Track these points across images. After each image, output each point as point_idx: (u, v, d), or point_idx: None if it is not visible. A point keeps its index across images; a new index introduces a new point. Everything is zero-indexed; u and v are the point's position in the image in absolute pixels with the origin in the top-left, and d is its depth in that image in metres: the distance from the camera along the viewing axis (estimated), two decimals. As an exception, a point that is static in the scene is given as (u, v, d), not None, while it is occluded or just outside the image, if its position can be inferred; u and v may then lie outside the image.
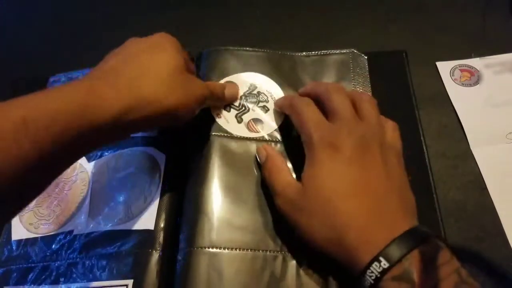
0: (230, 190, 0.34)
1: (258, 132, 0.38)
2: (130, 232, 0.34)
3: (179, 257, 0.32)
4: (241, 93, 0.40)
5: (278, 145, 0.37)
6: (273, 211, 0.33)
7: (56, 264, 0.34)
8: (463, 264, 0.26)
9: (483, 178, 0.36)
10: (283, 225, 0.32)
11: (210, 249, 0.32)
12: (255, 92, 0.40)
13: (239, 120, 0.38)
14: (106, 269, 0.33)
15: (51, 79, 0.46)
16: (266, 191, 0.34)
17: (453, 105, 0.40)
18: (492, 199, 0.35)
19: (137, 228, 0.34)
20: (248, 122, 0.38)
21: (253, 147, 0.37)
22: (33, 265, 0.35)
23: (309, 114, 0.32)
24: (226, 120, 0.38)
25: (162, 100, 0.29)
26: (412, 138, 0.37)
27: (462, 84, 0.42)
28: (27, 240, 0.36)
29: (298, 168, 0.32)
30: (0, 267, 0.36)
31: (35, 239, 0.36)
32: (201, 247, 0.32)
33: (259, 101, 0.39)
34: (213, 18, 0.51)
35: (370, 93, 0.40)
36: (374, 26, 0.47)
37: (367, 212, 0.27)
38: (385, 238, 0.26)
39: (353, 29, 0.47)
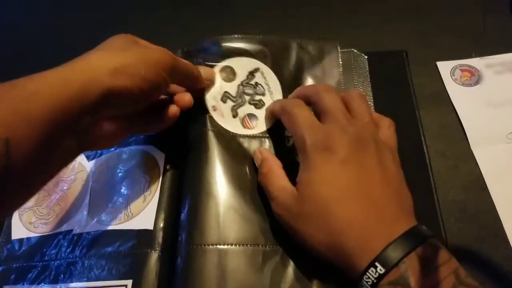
0: (230, 187, 0.34)
1: (252, 128, 0.38)
2: (129, 232, 0.34)
3: (180, 256, 0.32)
4: (239, 81, 0.39)
5: (272, 142, 0.37)
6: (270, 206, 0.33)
7: (56, 264, 0.34)
8: (463, 264, 0.26)
9: (483, 178, 0.36)
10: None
11: (210, 246, 0.32)
12: (252, 82, 0.39)
13: (234, 114, 0.38)
14: (105, 269, 0.33)
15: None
16: (262, 186, 0.34)
17: (454, 105, 0.40)
18: (493, 199, 0.35)
19: (136, 228, 0.34)
20: (244, 118, 0.38)
21: (250, 143, 0.37)
22: (32, 264, 0.35)
23: (301, 116, 0.32)
24: (222, 114, 0.37)
25: (108, 62, 0.27)
26: (412, 138, 0.37)
27: (463, 84, 0.42)
28: (26, 239, 0.36)
29: (294, 168, 0.32)
30: (0, 266, 0.36)
31: (34, 238, 0.36)
32: (201, 245, 0.32)
33: (256, 93, 0.39)
34: (213, 18, 0.51)
35: (370, 93, 0.40)
36: (374, 26, 0.47)
37: (363, 216, 0.27)
38: (382, 242, 0.26)
39: (353, 29, 0.47)
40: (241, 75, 0.40)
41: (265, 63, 0.40)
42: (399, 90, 0.41)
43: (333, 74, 0.41)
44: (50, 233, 0.36)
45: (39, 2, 0.57)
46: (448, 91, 0.41)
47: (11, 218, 0.38)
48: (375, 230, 0.27)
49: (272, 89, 0.39)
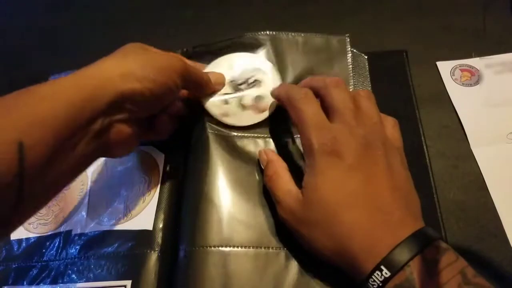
0: (231, 189, 0.34)
1: (265, 110, 0.37)
2: (128, 232, 0.34)
3: (181, 257, 0.32)
4: (228, 78, 0.39)
5: (276, 143, 0.37)
6: (274, 208, 0.33)
7: (55, 264, 0.34)
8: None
9: (483, 178, 0.36)
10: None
11: (212, 248, 0.31)
12: (242, 79, 0.39)
13: (242, 108, 0.37)
14: (105, 269, 0.33)
15: (52, 78, 0.46)
16: (267, 188, 0.34)
17: (454, 105, 0.40)
18: (493, 199, 0.35)
19: (135, 228, 0.34)
20: (252, 106, 0.37)
21: (252, 144, 0.36)
22: (31, 264, 0.35)
23: (309, 113, 0.30)
24: (233, 114, 0.37)
25: (120, 66, 0.28)
26: (412, 138, 0.37)
27: (463, 84, 0.41)
28: (25, 239, 0.36)
29: (299, 169, 0.32)
30: (-1, 266, 0.36)
31: (33, 238, 0.36)
32: (203, 246, 0.32)
33: (248, 81, 0.39)
34: (213, 18, 0.51)
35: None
36: (374, 26, 0.47)
37: (369, 222, 0.27)
38: (388, 246, 0.25)
39: (353, 29, 0.47)
40: (228, 72, 0.39)
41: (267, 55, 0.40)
42: (399, 90, 0.41)
43: (342, 70, 0.40)
44: (49, 233, 0.36)
45: (39, 2, 0.57)
46: (448, 91, 0.41)
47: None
48: (381, 234, 0.26)
49: (264, 69, 0.39)
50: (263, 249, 0.32)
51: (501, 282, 0.31)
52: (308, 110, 0.30)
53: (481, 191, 0.36)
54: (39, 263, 0.35)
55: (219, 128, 0.37)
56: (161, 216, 0.35)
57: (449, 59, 0.43)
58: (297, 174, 0.32)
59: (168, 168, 0.37)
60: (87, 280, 0.33)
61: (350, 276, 0.28)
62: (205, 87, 0.36)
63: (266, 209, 0.33)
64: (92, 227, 0.35)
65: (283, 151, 0.37)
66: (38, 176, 0.24)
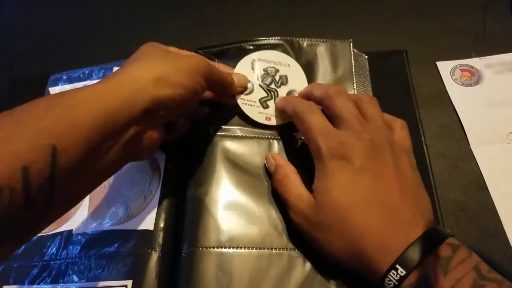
0: (234, 189, 0.34)
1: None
2: (129, 232, 0.34)
3: (183, 257, 0.32)
4: (256, 81, 0.39)
5: (281, 142, 0.37)
6: (278, 208, 0.33)
7: (56, 264, 0.34)
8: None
9: (483, 178, 0.36)
10: (287, 222, 0.32)
11: (215, 249, 0.32)
12: (269, 78, 0.39)
13: (265, 106, 0.38)
14: (105, 269, 0.33)
15: (52, 77, 0.46)
16: (270, 189, 0.34)
17: (454, 105, 0.40)
18: (493, 199, 0.35)
19: (136, 228, 0.34)
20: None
21: (256, 145, 0.37)
22: (32, 264, 0.35)
23: (314, 122, 0.31)
24: (273, 115, 0.38)
25: (150, 72, 0.28)
26: (412, 138, 0.37)
27: (463, 84, 0.42)
28: (26, 239, 0.36)
29: (306, 172, 0.32)
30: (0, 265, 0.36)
31: (34, 238, 0.36)
32: (206, 247, 0.32)
33: (275, 79, 0.39)
34: (213, 18, 0.51)
35: (370, 93, 0.40)
36: (374, 26, 0.47)
37: (382, 222, 0.27)
38: (401, 245, 0.26)
39: (353, 29, 0.47)
40: (252, 75, 0.39)
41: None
42: (399, 90, 0.41)
43: (346, 74, 0.40)
44: (50, 233, 0.36)
45: (40, 2, 0.56)
46: (448, 91, 0.41)
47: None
48: (394, 234, 0.27)
49: (287, 63, 0.40)
50: (266, 250, 0.32)
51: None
52: (313, 119, 0.32)
53: (481, 191, 0.36)
54: (40, 263, 0.35)
55: (223, 128, 0.37)
56: (162, 216, 0.35)
57: (449, 59, 0.43)
58: (306, 177, 0.32)
59: (169, 168, 0.37)
60: (88, 280, 0.33)
61: (364, 277, 0.28)
62: (229, 88, 0.37)
63: (269, 210, 0.33)
64: (93, 227, 0.35)
65: (289, 153, 0.37)
66: (68, 180, 0.24)
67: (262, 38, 0.42)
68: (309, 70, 0.40)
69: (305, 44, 0.42)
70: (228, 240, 0.32)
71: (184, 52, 0.36)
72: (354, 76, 0.40)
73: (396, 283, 0.25)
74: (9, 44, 0.53)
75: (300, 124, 0.33)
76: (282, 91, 0.39)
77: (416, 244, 0.26)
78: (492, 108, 0.40)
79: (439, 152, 0.38)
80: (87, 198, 0.37)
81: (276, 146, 0.37)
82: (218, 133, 0.37)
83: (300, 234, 0.31)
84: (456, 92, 0.41)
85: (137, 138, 0.29)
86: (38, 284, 0.34)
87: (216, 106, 0.39)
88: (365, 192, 0.28)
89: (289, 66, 0.40)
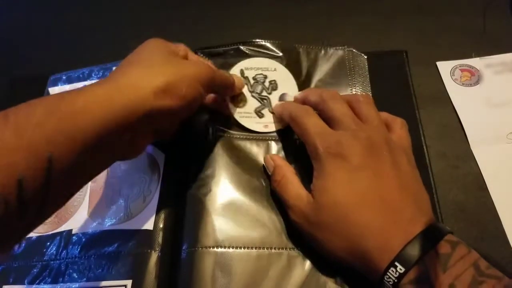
0: (233, 189, 0.34)
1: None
2: (129, 232, 0.34)
3: (183, 257, 0.32)
4: (248, 90, 0.40)
5: (279, 142, 0.37)
6: (277, 208, 0.33)
7: (55, 263, 0.34)
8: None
9: (483, 178, 0.36)
10: (287, 222, 0.32)
11: (215, 249, 0.32)
12: (259, 86, 0.40)
13: (260, 115, 0.39)
14: (105, 269, 0.33)
15: (52, 77, 0.46)
16: (269, 190, 0.34)
17: (454, 105, 0.40)
18: (493, 199, 0.35)
19: (136, 228, 0.34)
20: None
21: (255, 146, 0.37)
22: (32, 264, 0.35)
23: (311, 124, 0.32)
24: (270, 121, 0.38)
25: (151, 81, 0.28)
26: (412, 138, 0.37)
27: (463, 84, 0.42)
28: (26, 238, 0.36)
29: (305, 171, 0.32)
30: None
31: (34, 238, 0.36)
32: (205, 247, 0.32)
33: (265, 86, 0.40)
34: (213, 18, 0.51)
35: (370, 94, 0.40)
36: (374, 26, 0.47)
37: (381, 219, 0.27)
38: (400, 243, 0.26)
39: (353, 29, 0.47)
40: (246, 84, 0.40)
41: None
42: (399, 90, 0.41)
43: (342, 78, 0.41)
44: (50, 233, 0.36)
45: (40, 2, 0.57)
46: (448, 91, 0.41)
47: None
48: (393, 232, 0.27)
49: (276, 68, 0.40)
50: (265, 250, 0.32)
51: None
52: (310, 121, 0.32)
53: (481, 191, 0.36)
54: (40, 263, 0.35)
55: (222, 128, 0.37)
56: (162, 216, 0.35)
57: (449, 59, 0.43)
58: (304, 177, 0.32)
59: (168, 168, 0.37)
60: (88, 280, 0.33)
61: (365, 275, 0.28)
62: (231, 89, 0.37)
63: (269, 210, 0.33)
64: (92, 227, 0.35)
65: (287, 153, 0.37)
66: (61, 185, 0.24)
67: (258, 40, 0.42)
68: (306, 75, 0.41)
69: (301, 50, 0.42)
70: (227, 240, 0.32)
71: (191, 60, 0.35)
72: (352, 77, 0.40)
73: (396, 280, 0.25)
74: (9, 44, 0.53)
75: (297, 127, 0.33)
76: (274, 97, 0.39)
77: (415, 241, 0.26)
78: (492, 108, 0.40)
79: (439, 152, 0.38)
80: (87, 198, 0.37)
81: (274, 147, 0.37)
82: (217, 133, 0.37)
83: (299, 233, 0.31)
84: (456, 92, 0.41)
85: (131, 143, 0.29)
86: (38, 284, 0.34)
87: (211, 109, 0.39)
88: (364, 190, 0.28)
89: (275, 70, 0.41)
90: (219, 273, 0.30)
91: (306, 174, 0.32)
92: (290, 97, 0.38)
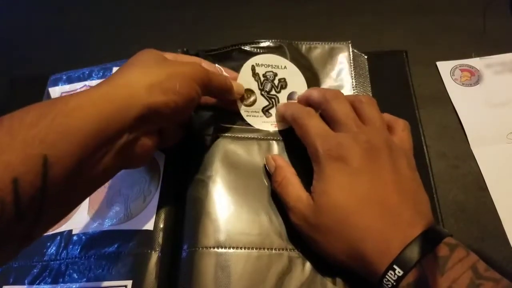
0: (234, 190, 0.34)
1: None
2: (129, 232, 0.34)
3: (183, 257, 0.32)
4: (258, 89, 0.39)
5: (281, 143, 0.37)
6: (277, 209, 0.33)
7: (55, 264, 0.34)
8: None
9: (483, 178, 0.36)
10: (287, 223, 0.32)
11: (216, 249, 0.32)
12: (268, 84, 0.40)
13: (268, 115, 0.38)
14: (105, 269, 0.33)
15: (52, 77, 0.46)
16: (270, 190, 0.34)
17: (454, 105, 0.40)
18: (493, 199, 0.35)
19: (136, 228, 0.34)
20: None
21: (256, 146, 0.36)
22: (32, 264, 0.35)
23: (312, 126, 0.32)
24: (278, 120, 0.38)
25: (145, 79, 0.28)
26: (412, 138, 0.37)
27: (463, 84, 0.42)
28: (26, 239, 0.36)
29: (307, 173, 0.32)
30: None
31: (34, 238, 0.36)
32: (206, 247, 0.32)
33: (274, 84, 0.39)
34: (213, 18, 0.51)
35: (370, 94, 0.40)
36: (374, 26, 0.47)
37: (380, 222, 0.27)
38: (399, 245, 0.26)
39: (353, 29, 0.47)
40: (253, 83, 0.40)
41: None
42: (399, 90, 0.41)
43: (346, 77, 0.40)
44: (50, 233, 0.36)
45: (40, 2, 0.57)
46: (448, 91, 0.41)
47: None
48: (392, 234, 0.27)
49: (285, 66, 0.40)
50: (266, 250, 0.32)
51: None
52: (311, 123, 0.32)
53: (481, 191, 0.36)
54: (40, 263, 0.35)
55: (223, 128, 0.37)
56: (162, 216, 0.35)
57: (449, 59, 0.43)
58: (307, 180, 0.32)
59: (169, 168, 0.37)
60: (88, 280, 0.33)
61: (365, 278, 0.28)
62: (229, 93, 0.36)
63: (269, 211, 0.33)
64: (93, 227, 0.35)
65: (291, 156, 0.36)
66: (60, 190, 0.23)
67: (262, 40, 0.42)
68: (309, 73, 0.41)
69: (303, 47, 0.42)
70: (228, 240, 0.32)
71: (182, 57, 0.35)
72: (353, 77, 0.40)
73: (394, 283, 0.25)
74: (9, 44, 0.53)
75: (298, 128, 0.33)
76: (283, 96, 0.39)
77: (414, 244, 0.26)
78: (492, 108, 0.40)
79: (439, 152, 0.38)
80: (87, 199, 0.37)
81: (276, 147, 0.37)
82: (218, 133, 0.37)
83: (300, 234, 0.31)
84: (456, 92, 0.41)
85: (130, 146, 0.28)
86: (38, 284, 0.34)
87: (217, 107, 0.39)
88: (363, 192, 0.28)
89: (285, 68, 0.40)
90: (219, 273, 0.30)
91: (308, 175, 0.31)
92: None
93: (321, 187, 0.30)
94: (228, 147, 0.36)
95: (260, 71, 0.40)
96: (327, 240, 0.29)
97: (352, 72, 0.40)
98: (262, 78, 0.40)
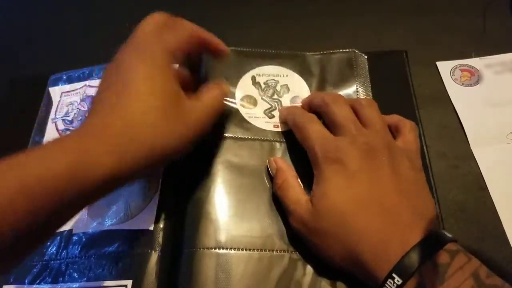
0: (235, 190, 0.34)
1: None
2: (129, 232, 0.34)
3: (183, 258, 0.32)
4: (259, 95, 0.40)
5: (283, 144, 0.37)
6: (279, 210, 0.33)
7: (56, 263, 0.34)
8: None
9: (483, 178, 0.36)
10: (288, 224, 0.32)
11: (216, 250, 0.31)
12: (270, 90, 0.40)
13: (271, 116, 0.39)
14: (105, 269, 0.33)
15: (52, 77, 0.46)
16: (272, 192, 0.34)
17: (453, 105, 0.40)
18: (493, 199, 0.35)
19: (136, 228, 0.34)
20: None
21: (258, 147, 0.36)
22: (32, 263, 0.35)
23: (313, 130, 0.32)
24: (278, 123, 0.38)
25: (159, 143, 0.28)
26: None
27: (463, 84, 0.42)
28: (26, 239, 0.36)
29: (308, 176, 0.32)
30: None
31: (34, 238, 0.36)
32: (206, 248, 0.32)
33: (276, 89, 0.40)
34: (213, 18, 0.51)
35: (370, 93, 0.40)
36: (374, 26, 0.47)
37: (377, 223, 0.27)
38: (398, 252, 0.26)
39: (353, 29, 0.47)
40: (255, 90, 0.40)
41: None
42: (399, 90, 0.41)
43: (349, 81, 0.40)
44: (50, 233, 0.36)
45: (40, 2, 0.56)
46: (448, 91, 0.41)
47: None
48: (390, 235, 0.27)
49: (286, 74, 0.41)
50: (267, 252, 0.32)
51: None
52: (311, 127, 0.32)
53: (481, 191, 0.36)
54: (40, 262, 0.35)
55: (225, 129, 0.37)
56: (162, 216, 0.35)
57: (449, 59, 0.43)
58: (309, 183, 0.32)
59: (169, 168, 0.37)
60: (88, 280, 0.33)
61: (364, 283, 0.28)
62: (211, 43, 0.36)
63: (271, 212, 0.33)
64: (93, 227, 0.35)
65: (293, 158, 0.36)
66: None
67: (265, 50, 0.43)
68: (312, 81, 0.41)
69: (307, 57, 0.42)
70: (228, 241, 0.32)
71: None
72: (357, 83, 0.40)
73: None
74: (9, 44, 0.53)
75: (299, 133, 0.33)
76: (286, 99, 0.39)
77: (413, 252, 0.25)
78: (492, 108, 0.40)
79: (439, 152, 0.38)
80: (87, 198, 0.37)
81: (279, 149, 0.37)
82: (220, 134, 0.37)
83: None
84: (456, 92, 0.41)
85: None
86: (38, 283, 0.34)
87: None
88: (361, 195, 0.28)
89: (287, 76, 0.41)
90: (219, 274, 0.30)
91: (310, 179, 0.31)
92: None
93: (319, 190, 0.30)
94: (230, 147, 0.36)
95: (261, 80, 0.40)
96: (326, 244, 0.28)
97: (356, 79, 0.40)
98: (263, 86, 0.40)
